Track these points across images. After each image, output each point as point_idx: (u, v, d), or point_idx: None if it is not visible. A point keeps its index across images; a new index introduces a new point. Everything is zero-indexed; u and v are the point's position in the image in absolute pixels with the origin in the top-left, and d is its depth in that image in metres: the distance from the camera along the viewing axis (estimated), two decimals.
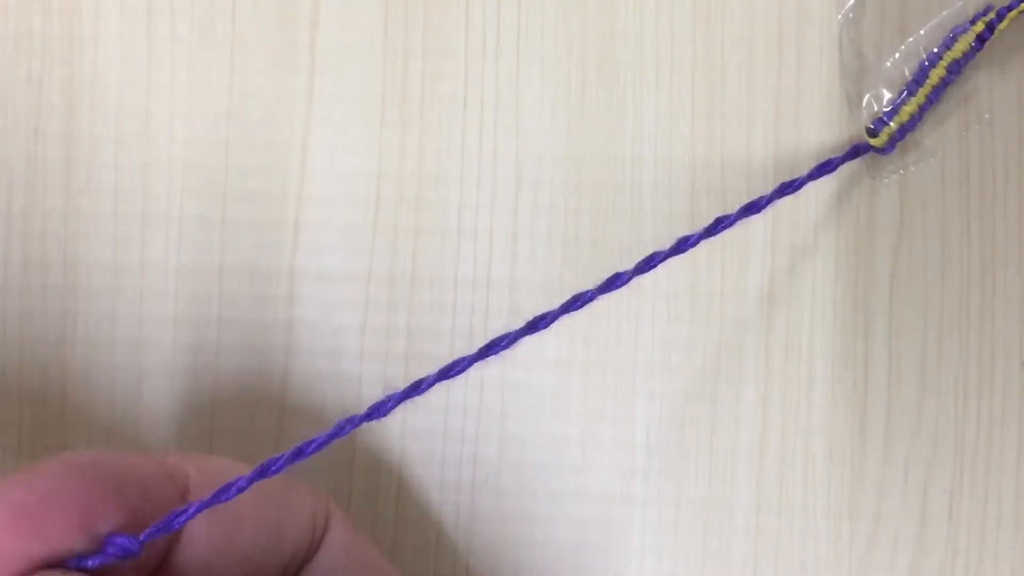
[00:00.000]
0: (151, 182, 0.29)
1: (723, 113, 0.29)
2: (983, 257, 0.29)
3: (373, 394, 0.29)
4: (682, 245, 0.26)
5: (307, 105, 0.29)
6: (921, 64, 0.29)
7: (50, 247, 0.29)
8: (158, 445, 0.29)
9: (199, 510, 0.22)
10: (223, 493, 0.22)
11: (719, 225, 0.26)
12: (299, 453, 0.23)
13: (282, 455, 0.22)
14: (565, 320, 0.29)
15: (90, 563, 0.21)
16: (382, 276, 0.29)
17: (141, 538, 0.21)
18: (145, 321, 0.29)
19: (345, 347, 0.29)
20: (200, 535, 0.23)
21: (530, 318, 0.29)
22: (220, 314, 0.29)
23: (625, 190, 0.29)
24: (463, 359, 0.25)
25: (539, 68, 0.29)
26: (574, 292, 0.29)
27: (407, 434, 0.29)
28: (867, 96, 0.29)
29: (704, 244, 0.28)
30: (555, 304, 0.29)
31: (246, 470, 0.23)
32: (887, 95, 0.29)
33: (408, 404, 0.29)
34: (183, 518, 0.21)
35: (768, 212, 0.29)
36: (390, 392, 0.25)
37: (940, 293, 0.29)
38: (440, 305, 0.29)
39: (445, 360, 0.29)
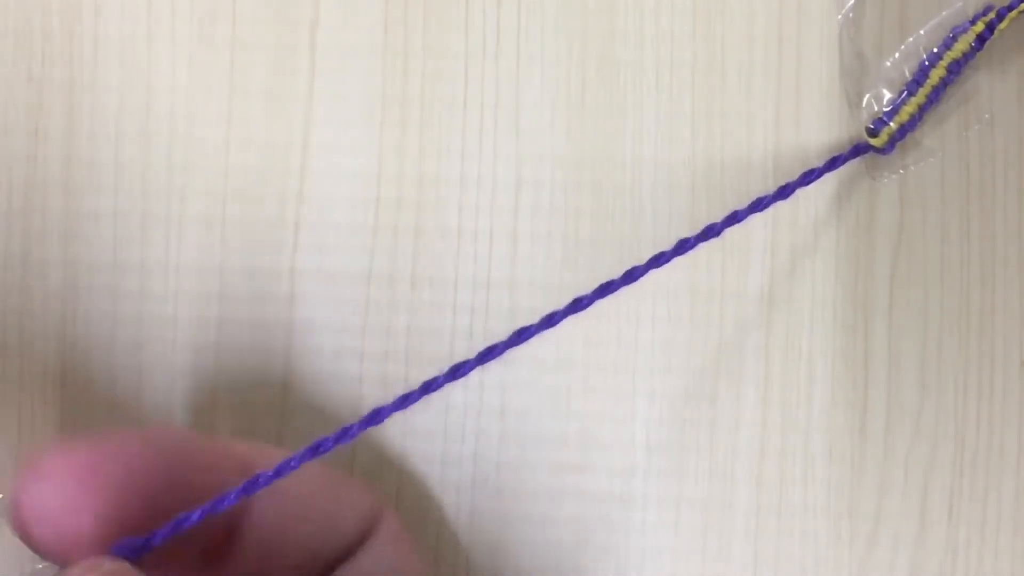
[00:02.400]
0: (151, 182, 0.29)
1: (723, 113, 0.29)
2: (983, 257, 0.29)
3: (373, 394, 0.29)
4: (720, 226, 0.26)
5: (307, 105, 0.29)
6: (921, 64, 0.29)
7: (50, 247, 0.29)
8: None
9: (252, 489, 0.22)
10: (283, 470, 0.23)
11: (755, 208, 0.27)
12: (344, 434, 0.24)
13: (328, 437, 0.23)
14: (565, 320, 0.29)
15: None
16: (382, 276, 0.29)
17: (198, 515, 0.22)
18: (145, 321, 0.29)
19: (345, 347, 0.29)
20: (265, 517, 0.24)
21: (529, 319, 0.29)
22: (220, 314, 0.29)
23: (625, 190, 0.29)
24: (436, 379, 0.25)
25: (539, 68, 0.29)
26: (574, 292, 0.29)
27: (407, 434, 0.29)
28: (867, 96, 0.29)
29: (704, 244, 0.29)
30: (552, 304, 0.29)
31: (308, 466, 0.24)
32: (887, 95, 0.29)
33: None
34: (233, 498, 0.22)
35: (768, 213, 0.29)
36: (393, 397, 0.25)
37: (940, 293, 0.29)
38: (440, 305, 0.29)
39: (445, 360, 0.29)
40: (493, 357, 0.25)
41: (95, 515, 0.21)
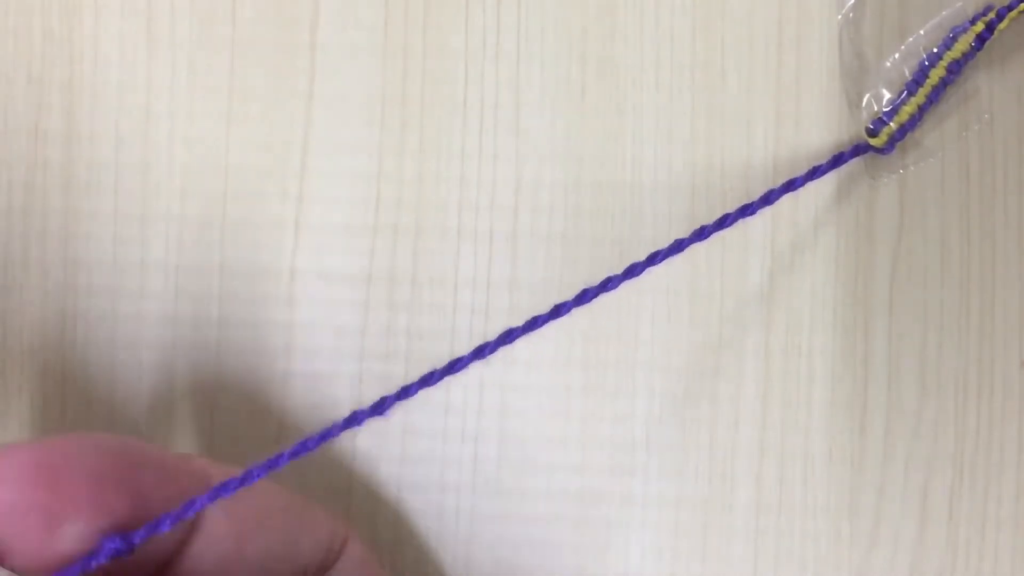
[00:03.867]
0: (151, 182, 0.29)
1: (723, 113, 0.29)
2: (983, 257, 0.29)
3: (373, 394, 0.29)
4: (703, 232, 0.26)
5: (307, 105, 0.29)
6: (921, 64, 0.29)
7: (50, 246, 0.29)
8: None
9: (205, 503, 0.22)
10: (232, 486, 0.22)
11: (744, 212, 0.27)
12: (300, 449, 0.23)
13: (284, 452, 0.23)
14: (565, 319, 0.29)
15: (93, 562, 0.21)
16: (382, 276, 0.29)
17: (138, 537, 0.21)
18: (145, 321, 0.29)
19: (345, 347, 0.29)
20: (217, 532, 0.23)
21: (529, 318, 0.29)
22: (220, 314, 0.29)
23: (625, 190, 0.29)
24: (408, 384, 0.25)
25: (539, 68, 0.29)
26: (574, 292, 0.29)
27: (407, 433, 0.29)
28: (867, 96, 0.29)
29: (703, 244, 0.29)
30: (552, 304, 0.29)
31: (266, 485, 0.24)
32: (887, 95, 0.29)
33: (407, 404, 0.29)
34: (192, 509, 0.22)
35: (768, 212, 0.29)
36: (387, 393, 0.25)
37: (940, 293, 0.29)
38: (440, 305, 0.29)
39: (446, 360, 0.29)
40: (485, 355, 0.25)
41: (45, 514, 0.21)
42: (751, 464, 0.29)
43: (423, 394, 0.28)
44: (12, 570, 0.21)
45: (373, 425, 0.29)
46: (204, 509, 0.22)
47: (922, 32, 0.29)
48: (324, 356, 0.29)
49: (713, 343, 0.29)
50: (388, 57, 0.29)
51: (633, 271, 0.26)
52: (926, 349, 0.29)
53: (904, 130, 0.28)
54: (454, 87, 0.29)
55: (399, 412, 0.29)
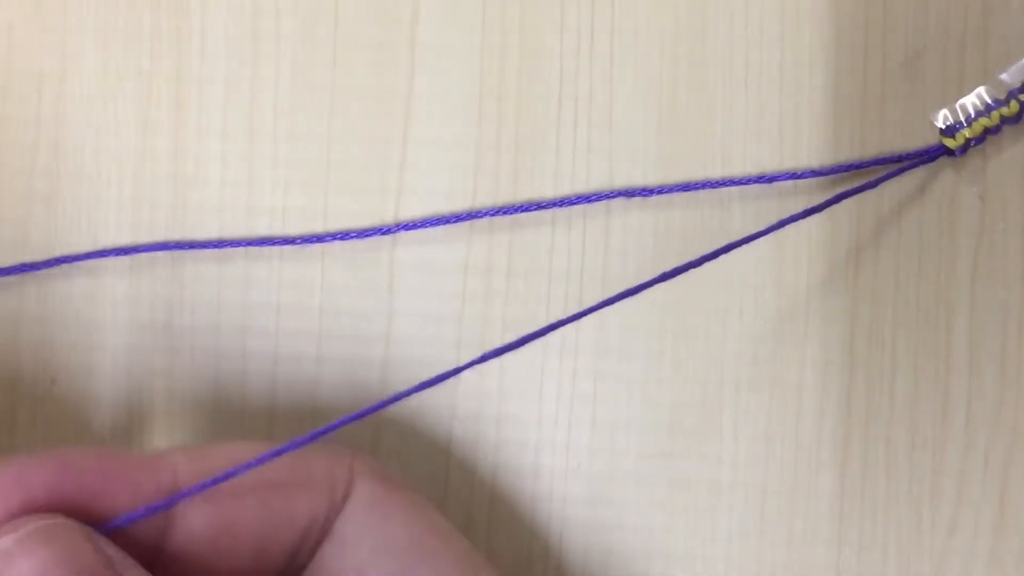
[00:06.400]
0: (255, 175, 0.30)
1: (811, 114, 0.30)
2: None
3: (468, 380, 0.30)
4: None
5: (407, 101, 0.30)
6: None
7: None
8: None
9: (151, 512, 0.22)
10: (192, 491, 0.22)
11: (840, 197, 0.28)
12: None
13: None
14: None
15: None
16: (478, 267, 0.30)
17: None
18: (251, 310, 0.30)
19: (443, 335, 0.30)
20: (197, 519, 0.23)
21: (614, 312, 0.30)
22: (321, 303, 0.30)
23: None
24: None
25: (631, 67, 0.30)
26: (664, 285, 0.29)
27: (501, 420, 0.30)
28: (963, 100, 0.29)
29: (782, 232, 0.29)
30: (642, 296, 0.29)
31: (245, 448, 0.24)
32: (985, 99, 0.29)
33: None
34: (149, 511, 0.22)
35: (853, 207, 0.30)
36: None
37: (1020, 287, 0.30)
38: (534, 295, 0.30)
39: (538, 348, 0.30)
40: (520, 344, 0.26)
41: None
42: (835, 452, 0.30)
43: (518, 382, 0.29)
44: None
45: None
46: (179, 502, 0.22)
47: None
48: (422, 343, 0.30)
49: (799, 334, 0.30)
50: (485, 55, 0.30)
51: (730, 247, 0.27)
52: (1006, 341, 0.30)
53: (981, 139, 0.29)
54: (549, 85, 0.30)
55: (494, 401, 0.30)
